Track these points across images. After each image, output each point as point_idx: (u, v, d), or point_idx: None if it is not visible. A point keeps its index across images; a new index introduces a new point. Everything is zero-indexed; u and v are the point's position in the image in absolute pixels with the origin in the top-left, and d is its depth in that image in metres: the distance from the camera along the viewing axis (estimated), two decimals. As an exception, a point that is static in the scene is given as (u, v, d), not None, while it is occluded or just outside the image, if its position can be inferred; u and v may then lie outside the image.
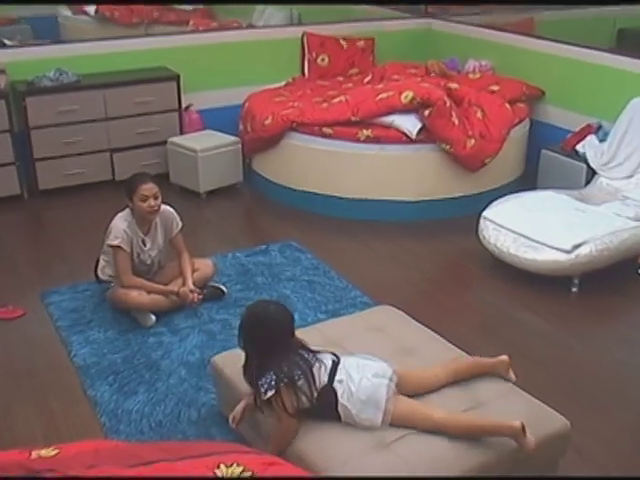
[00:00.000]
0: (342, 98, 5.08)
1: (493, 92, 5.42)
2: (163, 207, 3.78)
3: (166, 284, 3.84)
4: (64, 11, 6.50)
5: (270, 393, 2.47)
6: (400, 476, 2.33)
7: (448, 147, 4.86)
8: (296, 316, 2.73)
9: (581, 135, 5.14)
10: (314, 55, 6.22)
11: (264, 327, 2.56)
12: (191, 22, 6.48)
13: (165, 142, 5.48)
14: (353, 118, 4.90)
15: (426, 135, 4.85)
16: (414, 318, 3.20)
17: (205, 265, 4.02)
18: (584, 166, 4.97)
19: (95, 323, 3.77)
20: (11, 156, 5.14)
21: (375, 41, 6.38)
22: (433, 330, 3.12)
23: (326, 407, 2.52)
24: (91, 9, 6.41)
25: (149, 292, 3.75)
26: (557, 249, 3.99)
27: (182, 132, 5.63)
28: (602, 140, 5.01)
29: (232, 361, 2.81)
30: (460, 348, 2.98)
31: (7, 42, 5.55)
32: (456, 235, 4.82)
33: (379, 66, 6.12)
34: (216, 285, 4.03)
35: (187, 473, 1.50)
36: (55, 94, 5.17)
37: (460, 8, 6.57)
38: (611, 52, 5.29)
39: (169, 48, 5.75)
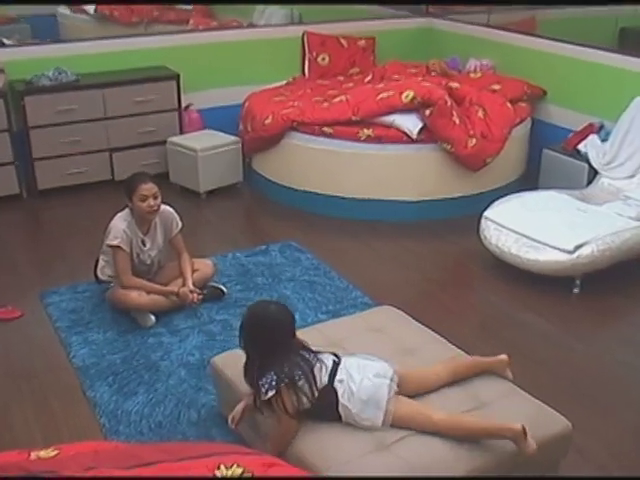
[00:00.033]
0: (343, 97, 5.07)
1: (494, 91, 5.41)
2: (163, 207, 3.77)
3: (166, 284, 3.83)
4: (63, 10, 6.49)
5: (271, 393, 2.46)
6: (400, 476, 2.32)
7: (449, 147, 4.84)
8: (296, 316, 2.72)
9: (583, 135, 5.12)
10: (314, 54, 6.20)
11: (265, 327, 2.54)
12: (191, 21, 6.47)
13: (165, 142, 5.47)
14: (354, 118, 4.89)
15: (427, 135, 4.83)
16: (415, 318, 3.19)
17: (205, 265, 4.00)
18: (586, 166, 4.96)
19: (94, 324, 3.75)
20: (10, 156, 5.12)
21: (376, 40, 6.37)
22: (434, 331, 3.11)
23: (327, 407, 2.51)
24: (90, 8, 6.40)
25: (149, 292, 3.74)
26: (559, 249, 3.98)
27: (182, 132, 5.62)
28: (604, 140, 5.00)
29: (232, 362, 2.80)
30: (461, 349, 2.98)
31: (6, 41, 5.53)
32: (457, 235, 4.81)
33: (380, 65, 6.11)
34: (216, 285, 4.01)
35: (187, 474, 1.50)
36: (54, 93, 5.15)
37: (461, 8, 6.55)
38: (613, 51, 5.27)
39: (169, 47, 5.73)
